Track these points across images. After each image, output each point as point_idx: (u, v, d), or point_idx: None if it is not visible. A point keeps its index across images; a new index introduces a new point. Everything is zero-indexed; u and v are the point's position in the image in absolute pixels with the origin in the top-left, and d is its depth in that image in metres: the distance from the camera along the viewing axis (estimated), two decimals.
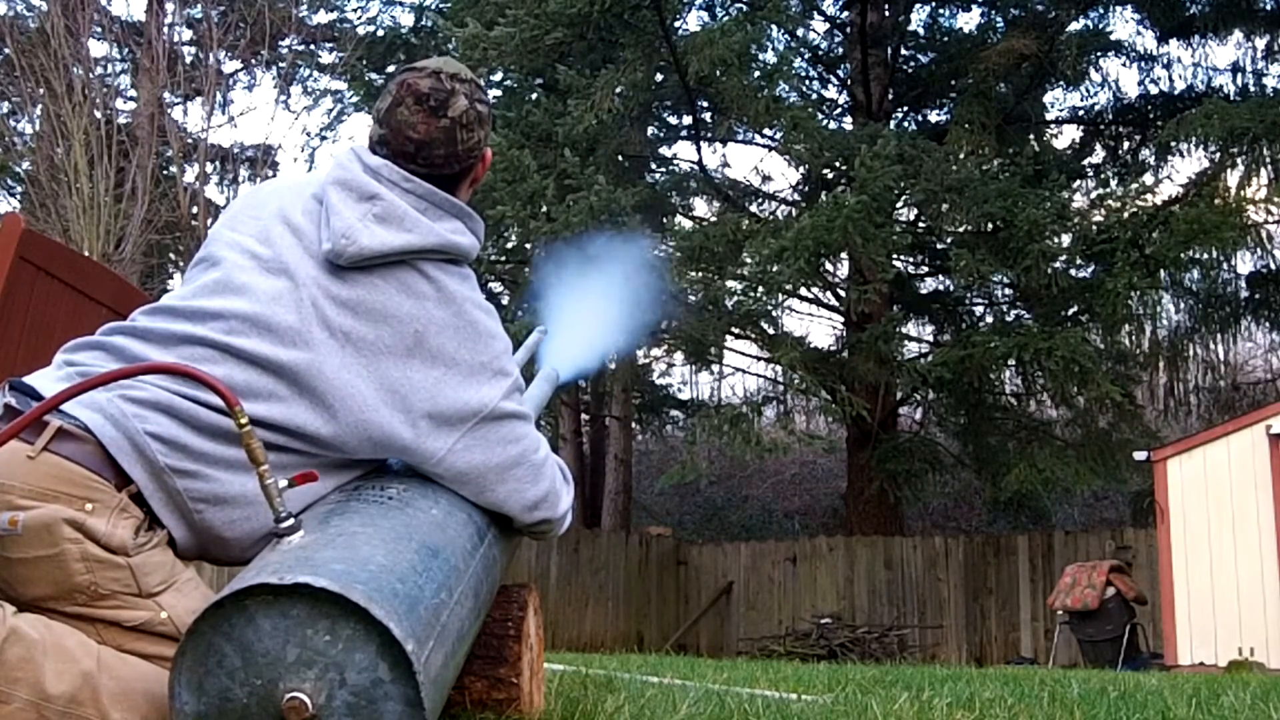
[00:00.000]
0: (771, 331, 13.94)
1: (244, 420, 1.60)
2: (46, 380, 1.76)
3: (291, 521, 1.63)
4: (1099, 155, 16.43)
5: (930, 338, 16.44)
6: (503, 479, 1.91)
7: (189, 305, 1.85)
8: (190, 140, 15.57)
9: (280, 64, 16.78)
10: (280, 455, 1.78)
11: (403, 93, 1.92)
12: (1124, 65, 17.43)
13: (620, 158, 14.36)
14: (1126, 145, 16.34)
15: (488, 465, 1.89)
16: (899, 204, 13.69)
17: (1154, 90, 16.15)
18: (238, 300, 1.82)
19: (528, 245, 13.09)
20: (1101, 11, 15.06)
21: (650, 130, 16.20)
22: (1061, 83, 15.60)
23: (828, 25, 16.62)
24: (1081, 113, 16.60)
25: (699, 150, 15.35)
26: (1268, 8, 14.86)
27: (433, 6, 16.34)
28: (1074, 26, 14.40)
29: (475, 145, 1.96)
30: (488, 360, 1.89)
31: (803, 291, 14.44)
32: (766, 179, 17.18)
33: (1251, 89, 15.22)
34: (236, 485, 1.73)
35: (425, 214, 1.89)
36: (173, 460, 1.70)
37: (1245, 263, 15.16)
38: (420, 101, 1.91)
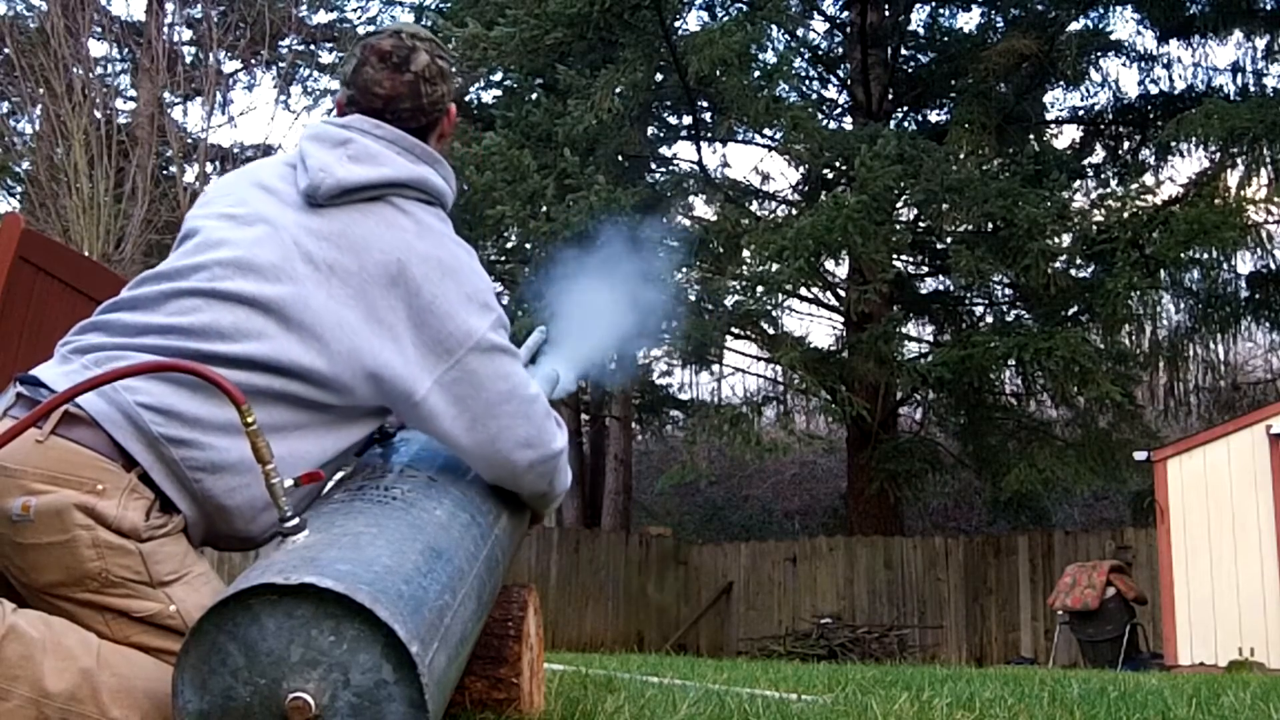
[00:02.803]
0: (771, 331, 13.94)
1: (250, 419, 1.60)
2: (51, 370, 1.76)
3: (296, 521, 1.62)
4: (1099, 155, 16.43)
5: (930, 338, 16.44)
6: (493, 414, 1.88)
7: (172, 267, 1.87)
8: (190, 140, 15.57)
9: (280, 64, 16.78)
10: (277, 410, 1.77)
11: (367, 53, 2.00)
12: (1124, 65, 17.44)
13: (620, 158, 14.36)
14: (1126, 145, 16.33)
15: (477, 399, 1.87)
16: (899, 204, 13.69)
17: (1154, 90, 16.15)
18: (219, 251, 1.84)
19: (528, 245, 13.10)
20: (1101, 11, 15.06)
21: (650, 130, 16.21)
22: (1061, 83, 15.60)
23: (828, 25, 16.63)
24: (1081, 113, 16.59)
25: (699, 150, 15.37)
26: (1268, 8, 14.85)
27: (433, 6, 16.34)
28: (1074, 26, 14.40)
29: (440, 99, 2.03)
30: (472, 292, 1.90)
31: (803, 291, 14.45)
32: (766, 179, 17.20)
33: (1251, 89, 15.22)
34: (235, 452, 1.72)
35: (398, 155, 1.95)
36: (167, 429, 1.69)
37: (1245, 263, 15.14)
38: (384, 59, 1.99)
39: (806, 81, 16.42)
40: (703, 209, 15.91)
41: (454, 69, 2.10)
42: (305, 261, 1.82)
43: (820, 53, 16.67)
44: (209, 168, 15.68)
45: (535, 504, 2.12)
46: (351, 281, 1.82)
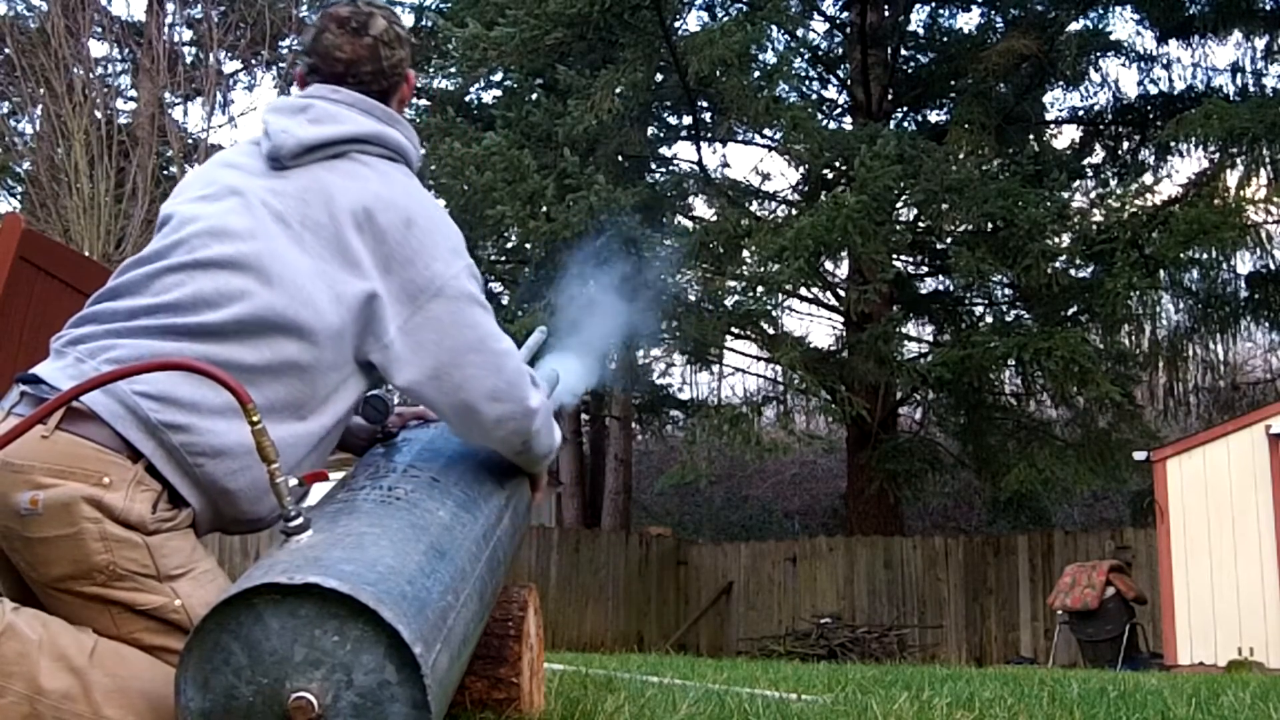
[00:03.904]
0: (771, 331, 13.94)
1: (256, 418, 1.60)
2: (47, 367, 1.78)
3: (300, 520, 1.62)
4: (1099, 155, 16.43)
5: (930, 338, 16.44)
6: (458, 363, 1.86)
7: (152, 249, 1.89)
8: (190, 140, 15.57)
9: (280, 64, 16.79)
10: (272, 389, 1.76)
11: (326, 21, 2.04)
12: (1124, 65, 17.44)
13: (620, 158, 14.36)
14: (1126, 145, 16.33)
15: (441, 346, 1.85)
16: (899, 204, 13.68)
17: (1154, 90, 16.16)
18: (193, 225, 1.87)
19: (528, 245, 13.11)
20: (1101, 11, 15.06)
21: (650, 130, 16.20)
22: (1061, 83, 15.60)
23: (828, 25, 16.63)
24: (1081, 113, 16.60)
25: (699, 150, 15.35)
26: (1268, 8, 14.85)
27: (433, 6, 16.35)
28: (1074, 26, 14.41)
29: (399, 63, 2.06)
30: (440, 239, 1.90)
31: (803, 291, 14.45)
32: (766, 179, 17.19)
33: (1251, 89, 15.22)
34: (233, 435, 1.73)
35: (359, 115, 1.98)
36: (165, 415, 1.70)
37: (1245, 263, 15.15)
38: (342, 25, 2.02)
39: (806, 81, 16.42)
40: (703, 209, 15.92)
41: (410, 36, 2.13)
42: (276, 220, 1.85)
43: (820, 53, 16.66)
44: None
45: (521, 464, 2.08)
46: (323, 233, 1.84)
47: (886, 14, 15.52)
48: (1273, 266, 15.04)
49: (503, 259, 15.28)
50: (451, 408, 1.89)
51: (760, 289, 12.63)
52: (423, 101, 16.19)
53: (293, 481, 1.65)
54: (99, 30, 15.11)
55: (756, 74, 13.08)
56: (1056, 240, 12.59)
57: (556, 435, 2.08)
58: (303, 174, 1.90)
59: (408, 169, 2.02)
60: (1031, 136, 15.25)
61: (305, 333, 1.80)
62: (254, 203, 1.86)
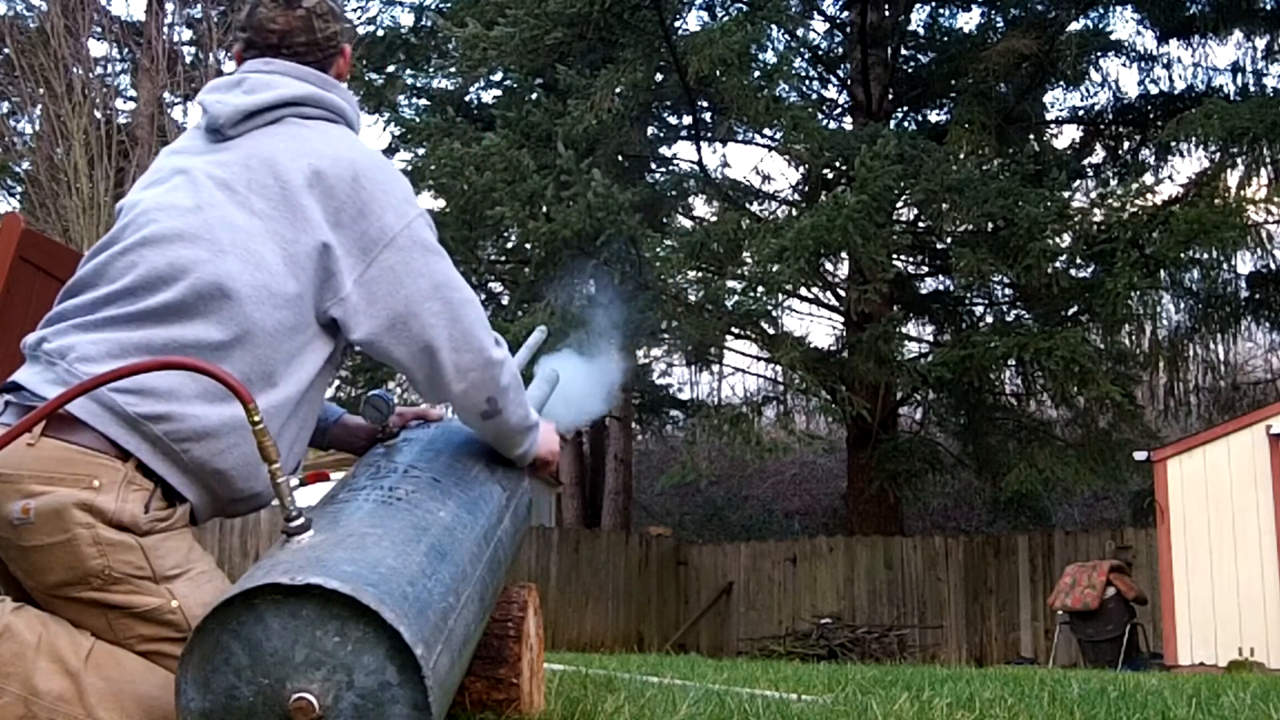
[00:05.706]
0: (771, 331, 13.94)
1: (258, 418, 1.59)
2: (25, 373, 1.77)
3: (301, 520, 1.61)
4: (1099, 155, 16.44)
5: (930, 338, 16.45)
6: (415, 312, 1.84)
7: (106, 238, 1.90)
8: None
9: None
10: (237, 364, 1.74)
11: None
12: (1124, 65, 17.45)
13: (620, 158, 14.35)
14: (1126, 145, 16.34)
15: (396, 295, 1.84)
16: (899, 204, 13.68)
17: (1154, 90, 16.17)
18: (140, 206, 1.88)
19: (528, 245, 13.11)
20: (1101, 11, 15.07)
21: (650, 130, 16.20)
22: (1061, 83, 15.60)
23: (828, 25, 16.64)
24: (1081, 113, 16.61)
25: (699, 150, 15.38)
26: (1268, 8, 14.86)
27: (433, 6, 16.34)
28: (1074, 26, 14.41)
29: (333, 35, 2.08)
30: (390, 190, 1.89)
31: (803, 291, 14.45)
32: (766, 179, 17.21)
33: (1251, 89, 15.23)
34: (215, 416, 1.72)
35: (293, 80, 1.98)
36: (143, 408, 1.69)
37: (1245, 263, 15.16)
38: None
39: (806, 81, 16.42)
40: (703, 209, 15.92)
41: (343, 10, 2.14)
42: (221, 188, 1.85)
43: (820, 53, 16.67)
44: None
45: (497, 442, 2.03)
46: (271, 194, 1.84)
47: (886, 14, 15.52)
48: (1273, 266, 15.04)
49: (503, 259, 15.27)
50: (411, 358, 1.87)
51: (760, 289, 12.62)
52: (422, 101, 16.20)
53: (294, 482, 1.64)
54: (99, 30, 15.12)
55: (756, 74, 13.08)
56: (1057, 240, 12.58)
57: (532, 414, 2.05)
58: (244, 142, 1.90)
59: (349, 130, 2.02)
60: (1032, 136, 15.24)
61: (262, 296, 1.78)
62: (199, 177, 1.87)
